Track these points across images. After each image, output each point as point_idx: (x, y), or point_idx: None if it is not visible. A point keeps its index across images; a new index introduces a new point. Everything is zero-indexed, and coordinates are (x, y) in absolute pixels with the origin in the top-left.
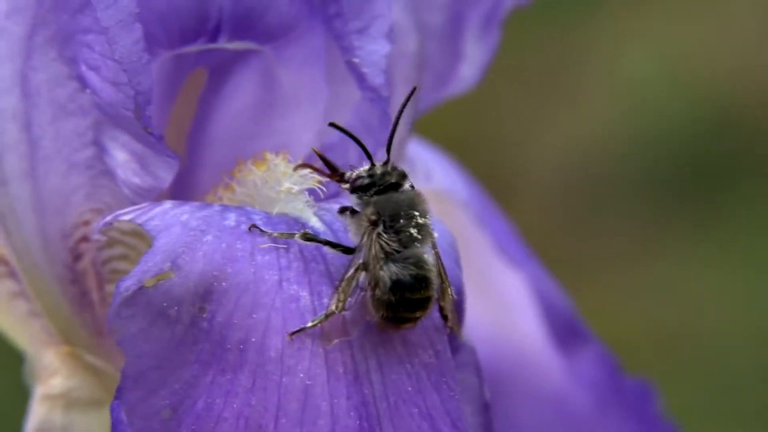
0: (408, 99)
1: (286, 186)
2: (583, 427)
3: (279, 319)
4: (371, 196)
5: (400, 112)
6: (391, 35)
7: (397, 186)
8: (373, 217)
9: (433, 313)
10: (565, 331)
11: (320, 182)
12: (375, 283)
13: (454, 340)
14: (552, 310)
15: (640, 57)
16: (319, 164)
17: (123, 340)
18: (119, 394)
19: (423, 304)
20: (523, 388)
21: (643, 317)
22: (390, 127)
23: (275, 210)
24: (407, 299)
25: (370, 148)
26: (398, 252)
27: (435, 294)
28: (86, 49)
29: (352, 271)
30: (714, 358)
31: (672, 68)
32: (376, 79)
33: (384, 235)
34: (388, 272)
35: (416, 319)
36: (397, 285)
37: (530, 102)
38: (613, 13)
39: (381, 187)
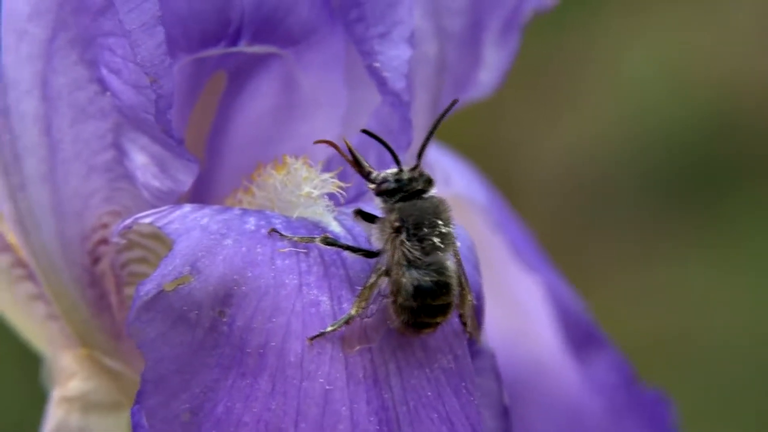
0: (448, 110)
1: (306, 190)
2: None
3: (299, 323)
4: (396, 202)
5: (438, 120)
6: (412, 40)
7: (422, 192)
8: (397, 224)
9: (453, 318)
10: (581, 337)
11: (340, 187)
12: (397, 289)
13: (474, 345)
14: (568, 316)
15: (641, 60)
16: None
17: (143, 344)
18: (139, 398)
19: (444, 309)
20: (539, 395)
21: (644, 320)
22: (411, 132)
23: (295, 214)
24: (428, 305)
25: None
26: (420, 259)
27: (455, 299)
28: (107, 52)
29: (374, 277)
30: (715, 361)
31: (672, 71)
32: (397, 83)
33: (407, 242)
34: (410, 278)
35: (437, 324)
36: (418, 291)
37: (531, 105)
38: (614, 16)
39: (407, 194)
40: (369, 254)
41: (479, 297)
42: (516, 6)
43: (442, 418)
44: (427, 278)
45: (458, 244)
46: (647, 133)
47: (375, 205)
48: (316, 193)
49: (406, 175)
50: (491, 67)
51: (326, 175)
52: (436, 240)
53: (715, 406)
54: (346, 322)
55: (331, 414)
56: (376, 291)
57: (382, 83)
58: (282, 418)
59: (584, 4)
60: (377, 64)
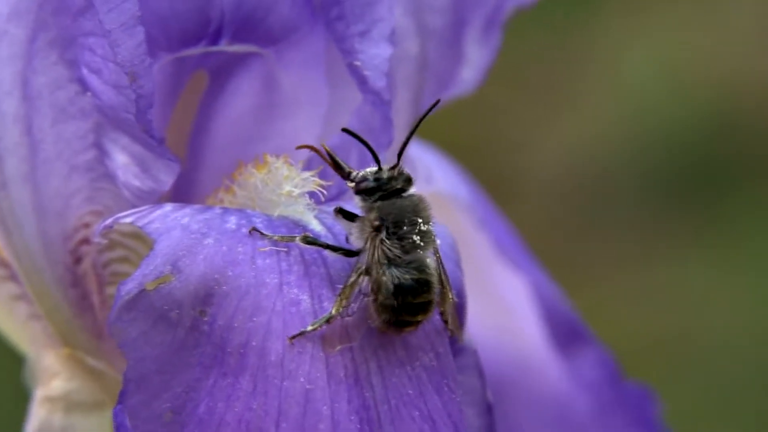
0: (429, 110)
1: (287, 189)
2: (584, 430)
3: (279, 322)
4: (375, 200)
5: (420, 121)
6: (392, 38)
7: (402, 191)
8: (377, 223)
9: (434, 316)
10: (566, 334)
11: (321, 185)
12: (377, 287)
13: (456, 343)
14: (553, 313)
15: (641, 61)
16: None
17: (124, 344)
18: (122, 398)
19: (425, 307)
20: (525, 393)
21: (644, 320)
22: (392, 130)
23: (276, 213)
24: (409, 303)
25: None
26: (400, 257)
27: (436, 297)
28: (88, 52)
29: (354, 276)
30: (714, 362)
31: (672, 72)
32: (378, 82)
33: (387, 241)
34: (391, 277)
35: (418, 322)
36: (399, 289)
37: (531, 106)
38: (614, 17)
39: (386, 192)
40: (349, 253)
41: (461, 295)
42: (498, 3)
43: (424, 416)
44: (408, 276)
45: (438, 241)
46: (647, 133)
47: (355, 204)
48: (296, 191)
49: (385, 174)
50: (473, 64)
51: (307, 174)
52: (416, 238)
53: (715, 406)
54: (327, 321)
55: (312, 413)
56: (356, 290)
57: (362, 82)
58: (263, 417)
59: (585, 3)
60: (358, 63)
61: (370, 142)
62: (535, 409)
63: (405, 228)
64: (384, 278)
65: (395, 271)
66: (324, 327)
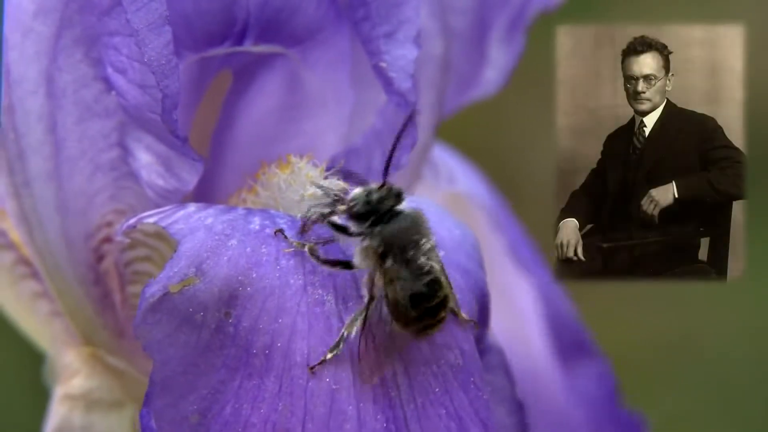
0: (404, 128)
1: (310, 190)
2: None
3: (304, 323)
4: (371, 225)
5: (397, 140)
6: (418, 40)
7: (395, 212)
8: (381, 250)
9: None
10: (570, 344)
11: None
12: (395, 308)
13: (481, 342)
14: (559, 322)
15: None
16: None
17: (149, 346)
18: (147, 400)
19: (443, 303)
20: (531, 400)
21: (644, 324)
22: (416, 132)
23: (299, 213)
24: (428, 308)
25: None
26: (408, 276)
27: (447, 291)
28: (113, 51)
29: (365, 308)
30: (714, 366)
31: None
32: (403, 83)
33: (395, 265)
34: (403, 292)
35: (443, 318)
36: (414, 299)
37: (533, 109)
38: (618, 21)
39: (379, 214)
40: (350, 266)
41: (484, 294)
42: (522, 5)
43: (451, 414)
44: (419, 282)
45: (442, 253)
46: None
47: (350, 227)
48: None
49: (374, 196)
50: (497, 65)
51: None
52: (423, 259)
53: (717, 410)
54: (343, 343)
55: (337, 413)
56: (372, 317)
57: (388, 83)
58: (289, 418)
59: (589, 8)
60: (383, 64)
61: (394, 143)
62: (540, 416)
63: (411, 252)
64: (398, 297)
65: (405, 285)
66: (355, 354)
